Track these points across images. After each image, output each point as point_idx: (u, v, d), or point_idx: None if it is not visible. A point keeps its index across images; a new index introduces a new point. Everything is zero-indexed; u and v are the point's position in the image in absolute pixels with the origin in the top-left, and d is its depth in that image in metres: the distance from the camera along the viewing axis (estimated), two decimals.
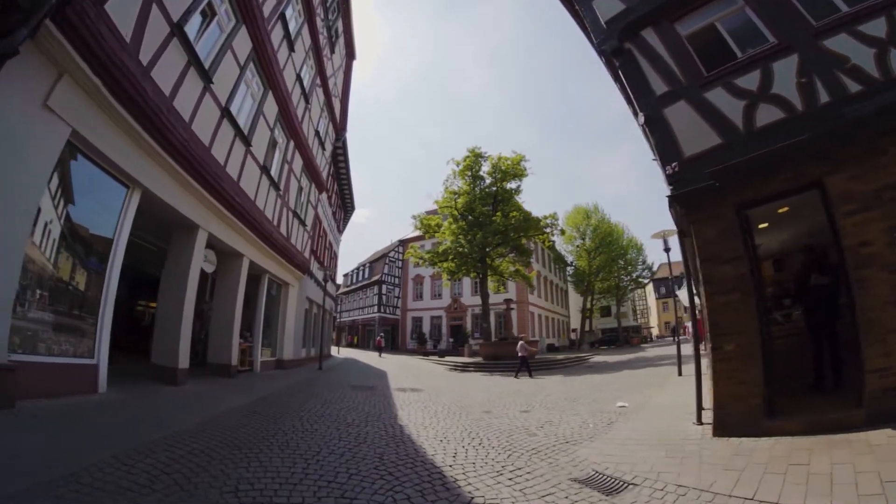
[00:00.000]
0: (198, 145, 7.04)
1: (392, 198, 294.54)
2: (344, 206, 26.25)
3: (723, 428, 4.35)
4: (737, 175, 4.57)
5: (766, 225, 6.18)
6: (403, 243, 40.34)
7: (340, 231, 27.13)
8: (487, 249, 22.31)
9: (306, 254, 14.70)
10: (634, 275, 38.68)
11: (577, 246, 36.40)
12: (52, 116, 4.54)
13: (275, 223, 10.97)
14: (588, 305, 37.84)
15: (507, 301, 24.06)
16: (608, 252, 34.49)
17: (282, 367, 13.02)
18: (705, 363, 5.15)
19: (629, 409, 6.61)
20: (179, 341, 7.44)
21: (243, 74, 8.78)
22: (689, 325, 27.06)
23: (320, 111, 15.25)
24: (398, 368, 16.68)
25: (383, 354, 28.87)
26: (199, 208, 7.80)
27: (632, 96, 6.42)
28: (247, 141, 8.95)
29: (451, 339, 34.40)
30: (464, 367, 18.03)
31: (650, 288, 58.45)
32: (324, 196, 18.48)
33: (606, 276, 36.26)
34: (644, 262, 38.57)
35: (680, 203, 5.04)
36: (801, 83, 4.51)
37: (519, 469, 3.73)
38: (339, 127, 18.35)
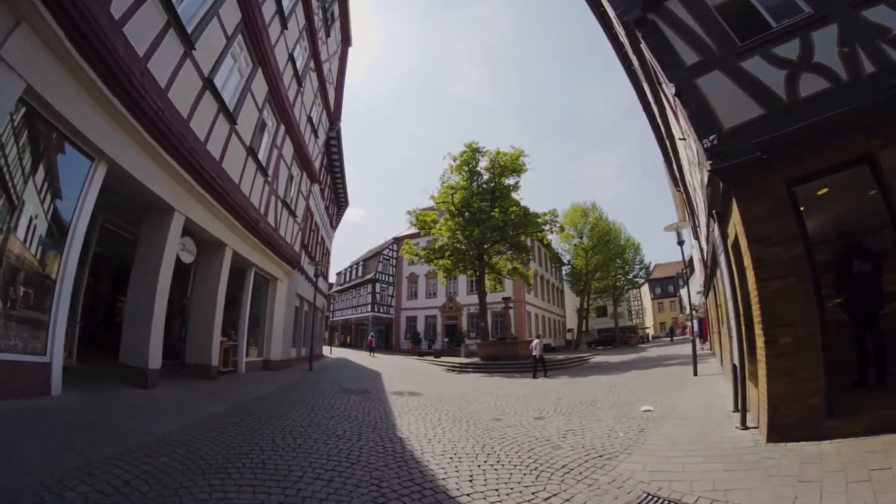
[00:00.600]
0: (174, 116, 6.25)
1: (386, 198, 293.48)
2: (337, 200, 25.36)
3: (778, 432, 3.85)
4: (784, 147, 4.08)
5: (802, 209, 5.72)
6: (398, 241, 39.49)
7: (333, 227, 26.24)
8: (486, 246, 21.60)
9: (296, 247, 13.82)
10: (631, 275, 38.18)
11: (575, 245, 35.79)
12: (4, 68, 3.82)
13: (262, 211, 10.12)
14: (585, 305, 37.26)
15: (506, 300, 23.37)
16: (606, 251, 33.93)
17: (269, 367, 12.16)
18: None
19: (656, 413, 5.96)
20: (150, 338, 6.61)
21: (230, 46, 8.00)
22: (690, 323, 26.50)
23: (314, 97, 14.43)
24: (393, 369, 15.87)
25: (375, 354, 28.20)
26: (175, 188, 6.97)
27: (657, 69, 6.06)
28: (232, 118, 8.14)
29: (446, 339, 33.65)
30: (462, 368, 17.26)
31: (646, 288, 58.15)
32: (316, 188, 17.61)
33: (604, 275, 35.72)
34: (641, 262, 38.12)
35: (723, 178, 4.49)
36: (844, 53, 4.11)
37: (554, 496, 3.00)
38: (334, 116, 17.48)
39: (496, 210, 21.61)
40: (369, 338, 31.41)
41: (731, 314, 5.10)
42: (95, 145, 5.27)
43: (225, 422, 4.91)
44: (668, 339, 38.42)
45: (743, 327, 5.18)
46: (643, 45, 6.95)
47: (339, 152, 19.93)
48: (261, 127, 9.92)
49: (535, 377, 12.48)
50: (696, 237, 17.41)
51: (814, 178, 4.30)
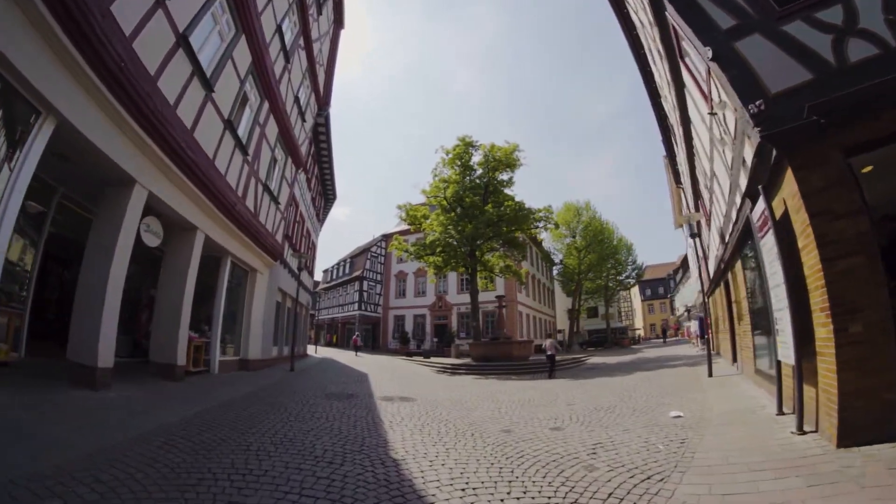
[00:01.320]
0: (139, 71, 5.38)
1: (374, 199, 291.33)
2: (325, 193, 24.30)
3: (850, 435, 3.42)
4: (841, 111, 3.74)
5: None
6: (387, 238, 38.44)
7: (320, 221, 25.16)
8: (479, 242, 20.77)
9: (279, 237, 12.79)
10: (623, 275, 37.74)
11: (567, 244, 35.18)
12: None
13: (239, 193, 9.13)
14: (576, 306, 36.72)
15: (500, 298, 22.56)
16: (599, 251, 33.38)
17: (247, 368, 11.13)
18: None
19: (687, 419, 5.27)
20: (100, 331, 5.65)
21: (211, 5, 7.14)
22: (688, 325, 26.08)
23: (302, 77, 13.45)
24: (380, 370, 14.92)
25: (361, 354, 27.30)
26: (137, 156, 6.02)
27: (688, 36, 5.50)
28: (208, 84, 7.20)
29: (435, 339, 32.73)
30: (453, 370, 16.36)
31: (636, 290, 58.03)
32: (302, 176, 16.61)
33: (596, 275, 35.18)
34: (634, 262, 37.67)
35: (776, 145, 4.04)
36: (890, 20, 3.86)
37: None
38: (323, 101, 16.46)
39: (489, 205, 20.79)
40: (354, 337, 30.43)
41: (783, 304, 4.44)
42: (42, 95, 4.40)
43: (177, 435, 3.99)
44: (661, 340, 38.13)
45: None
46: (669, 11, 6.52)
47: (328, 141, 18.93)
48: (242, 100, 8.97)
49: (550, 377, 12.11)
50: (698, 234, 16.89)
51: (871, 147, 3.93)
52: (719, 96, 5.83)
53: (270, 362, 13.20)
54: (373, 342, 37.94)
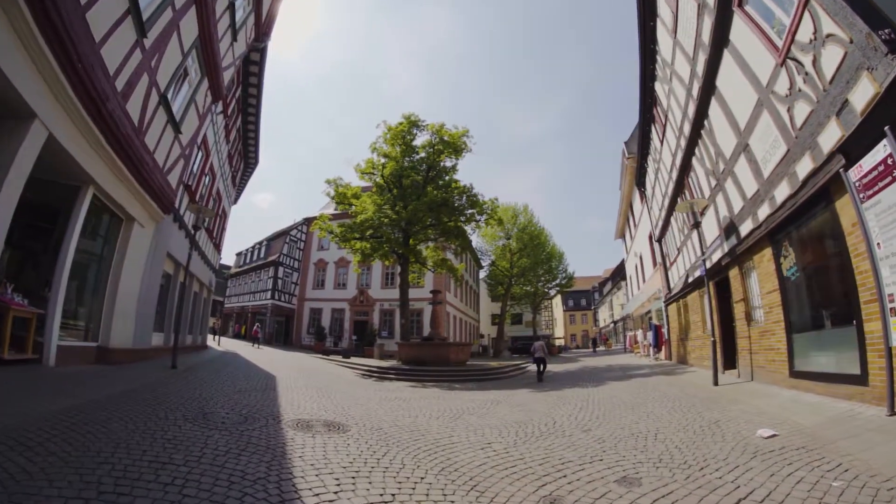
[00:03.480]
0: None
1: (298, 189, 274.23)
2: (246, 154, 20.38)
3: None
4: None
5: None
6: (309, 221, 34.46)
7: (236, 186, 21.15)
8: (416, 228, 18.61)
9: (173, 180, 9.35)
10: (553, 283, 37.93)
11: (501, 245, 34.40)
12: None
13: (120, 88, 5.99)
14: (505, 310, 36.02)
15: (435, 293, 20.55)
16: (533, 256, 32.99)
17: (108, 360, 7.77)
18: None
19: (787, 438, 3.95)
20: None
21: None
22: (632, 333, 26.31)
23: None
24: (293, 372, 11.57)
25: (264, 347, 24.15)
26: None
27: None
28: None
29: (354, 337, 29.84)
30: (381, 374, 13.74)
31: (558, 300, 59.89)
32: (220, 120, 13.19)
33: (527, 280, 34.82)
34: (565, 271, 38.03)
35: None
36: None
37: None
38: (263, 30, 13.05)
39: (430, 188, 18.72)
40: (255, 328, 26.71)
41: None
42: None
43: None
44: (591, 350, 38.89)
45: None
46: None
47: (259, 86, 15.55)
48: None
49: (540, 380, 11.58)
50: (659, 239, 16.55)
51: None
52: (814, 33, 4.65)
53: (148, 354, 9.73)
54: (285, 336, 33.85)
